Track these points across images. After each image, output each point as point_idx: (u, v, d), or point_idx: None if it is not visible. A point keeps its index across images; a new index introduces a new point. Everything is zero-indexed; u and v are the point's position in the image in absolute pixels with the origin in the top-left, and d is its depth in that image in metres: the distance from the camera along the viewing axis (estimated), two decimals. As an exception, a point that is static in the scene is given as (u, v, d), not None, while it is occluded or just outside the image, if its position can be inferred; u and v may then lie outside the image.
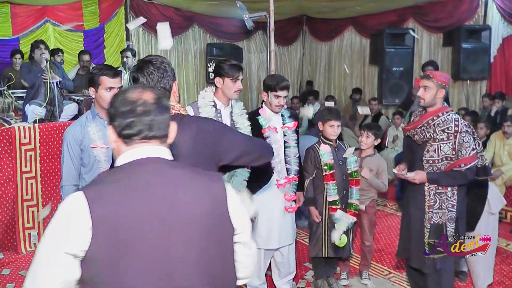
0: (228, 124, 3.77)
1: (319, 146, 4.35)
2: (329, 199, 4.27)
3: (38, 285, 1.56)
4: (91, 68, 7.80)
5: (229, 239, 1.80)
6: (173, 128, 1.81)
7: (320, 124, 4.40)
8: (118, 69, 4.78)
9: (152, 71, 2.37)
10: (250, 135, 3.80)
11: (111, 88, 3.31)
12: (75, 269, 1.57)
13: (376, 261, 5.21)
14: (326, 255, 4.35)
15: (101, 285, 1.58)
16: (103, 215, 1.56)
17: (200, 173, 1.82)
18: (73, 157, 3.32)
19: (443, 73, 3.98)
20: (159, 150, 1.73)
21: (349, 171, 4.37)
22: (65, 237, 1.55)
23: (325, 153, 4.29)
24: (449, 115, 3.70)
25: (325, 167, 4.26)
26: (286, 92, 4.07)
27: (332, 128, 4.31)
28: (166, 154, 1.76)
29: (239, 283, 1.92)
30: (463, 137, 3.61)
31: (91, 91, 3.38)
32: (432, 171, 3.73)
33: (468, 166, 3.62)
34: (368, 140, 4.72)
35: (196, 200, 1.70)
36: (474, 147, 3.66)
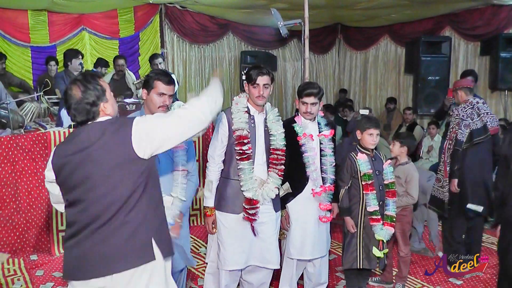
0: (262, 130, 3.77)
1: (356, 155, 4.24)
2: (370, 209, 4.16)
3: None
4: (126, 73, 7.86)
5: None
6: None
7: (358, 132, 4.30)
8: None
9: None
10: (284, 142, 3.81)
11: (162, 94, 3.32)
12: None
13: (409, 273, 5.08)
14: (361, 267, 4.24)
15: None
16: None
17: None
18: None
19: None
20: None
21: (385, 182, 4.27)
22: None
23: (363, 162, 4.19)
24: None
25: (364, 177, 4.15)
26: (313, 98, 3.97)
27: (371, 137, 4.21)
28: None
29: None
30: None
31: (144, 93, 3.41)
32: None
33: None
34: (394, 148, 4.65)
35: None
36: None
